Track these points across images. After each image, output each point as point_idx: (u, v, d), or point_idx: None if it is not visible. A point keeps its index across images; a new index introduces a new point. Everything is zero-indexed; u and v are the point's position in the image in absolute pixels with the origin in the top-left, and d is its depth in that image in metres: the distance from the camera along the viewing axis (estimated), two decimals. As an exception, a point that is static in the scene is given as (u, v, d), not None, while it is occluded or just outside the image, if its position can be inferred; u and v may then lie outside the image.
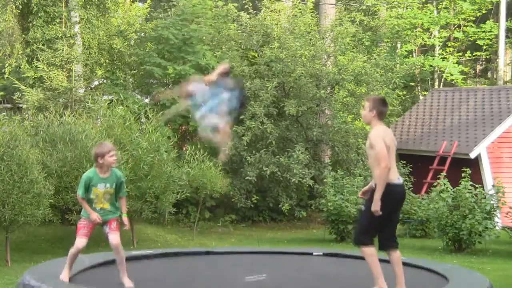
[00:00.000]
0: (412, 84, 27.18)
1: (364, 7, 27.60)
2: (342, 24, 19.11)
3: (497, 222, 13.78)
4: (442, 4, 27.16)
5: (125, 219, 6.75)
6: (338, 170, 16.05)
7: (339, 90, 18.77)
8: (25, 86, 16.42)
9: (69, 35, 16.74)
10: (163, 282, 7.26)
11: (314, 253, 9.05)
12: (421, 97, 26.09)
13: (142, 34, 19.85)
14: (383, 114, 6.22)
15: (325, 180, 15.79)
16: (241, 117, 17.19)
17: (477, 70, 32.20)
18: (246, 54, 19.57)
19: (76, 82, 16.55)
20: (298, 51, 17.66)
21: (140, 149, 12.92)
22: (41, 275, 6.82)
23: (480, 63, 31.67)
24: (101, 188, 6.57)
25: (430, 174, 17.77)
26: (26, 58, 16.90)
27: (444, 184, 13.85)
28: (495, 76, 29.18)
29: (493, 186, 14.18)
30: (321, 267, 8.27)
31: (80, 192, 6.61)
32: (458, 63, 27.10)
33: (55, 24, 16.76)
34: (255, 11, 19.81)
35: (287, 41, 18.00)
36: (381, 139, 6.00)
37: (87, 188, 6.58)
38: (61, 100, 15.96)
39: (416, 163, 18.02)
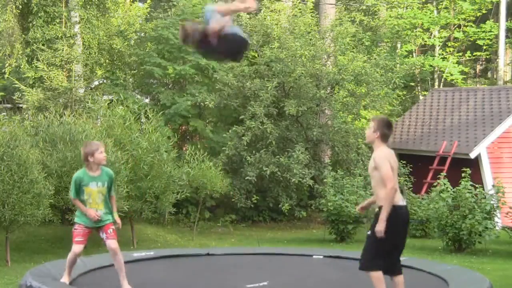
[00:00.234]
0: (412, 84, 27.15)
1: (364, 7, 27.57)
2: (342, 24, 19.09)
3: (497, 222, 13.76)
4: (442, 4, 27.11)
5: (116, 218, 6.77)
6: (338, 170, 16.04)
7: (339, 90, 18.74)
8: (25, 86, 16.42)
9: (69, 35, 16.74)
10: (163, 285, 7.25)
11: (314, 256, 9.05)
12: (421, 97, 26.05)
13: (142, 34, 19.85)
14: (387, 136, 6.23)
15: (325, 180, 15.78)
16: (241, 117, 17.25)
17: (477, 70, 32.17)
18: (246, 54, 19.55)
19: (76, 82, 16.55)
20: (298, 51, 17.63)
21: (140, 149, 12.94)
22: (42, 277, 6.83)
23: (480, 63, 31.64)
24: (94, 187, 6.56)
25: (430, 174, 17.76)
26: (26, 58, 16.89)
27: (444, 184, 13.83)
28: (495, 76, 29.16)
29: (493, 186, 14.16)
30: (323, 271, 8.22)
31: (72, 193, 6.62)
32: (458, 63, 27.05)
33: (55, 24, 16.75)
34: (255, 11, 19.77)
35: (287, 41, 17.99)
36: (386, 161, 6.02)
37: (78, 189, 6.57)
38: (61, 100, 15.95)
39: (416, 163, 18.02)
